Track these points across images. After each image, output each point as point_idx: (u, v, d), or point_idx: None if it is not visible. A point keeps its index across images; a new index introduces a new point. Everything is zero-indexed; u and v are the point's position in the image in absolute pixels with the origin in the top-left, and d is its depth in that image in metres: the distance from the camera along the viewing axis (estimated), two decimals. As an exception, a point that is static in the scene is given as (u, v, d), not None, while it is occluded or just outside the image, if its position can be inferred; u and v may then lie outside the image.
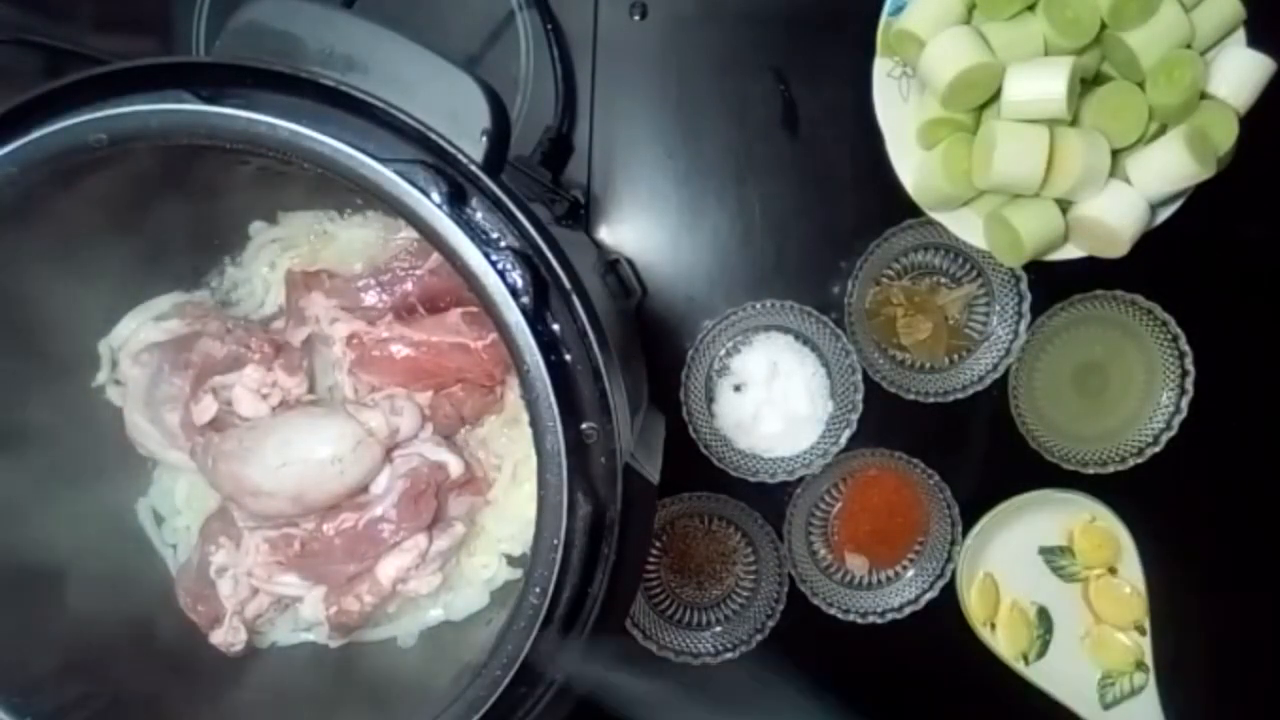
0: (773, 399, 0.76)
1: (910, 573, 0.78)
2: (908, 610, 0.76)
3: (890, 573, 0.78)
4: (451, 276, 0.57)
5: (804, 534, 0.78)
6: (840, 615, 0.76)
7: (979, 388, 0.75)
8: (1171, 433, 0.73)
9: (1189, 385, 0.73)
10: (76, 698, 0.52)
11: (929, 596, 0.76)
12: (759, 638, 0.77)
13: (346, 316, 0.59)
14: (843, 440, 0.75)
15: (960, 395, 0.75)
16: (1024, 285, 0.73)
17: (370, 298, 0.60)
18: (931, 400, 0.75)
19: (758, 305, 0.75)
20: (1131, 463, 0.74)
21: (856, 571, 0.78)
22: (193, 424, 0.58)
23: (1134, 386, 0.75)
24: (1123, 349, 0.75)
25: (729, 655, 0.77)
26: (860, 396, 0.75)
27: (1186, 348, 0.73)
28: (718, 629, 0.79)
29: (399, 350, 0.58)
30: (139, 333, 0.60)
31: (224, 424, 0.59)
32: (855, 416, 0.75)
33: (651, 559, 0.80)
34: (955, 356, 0.76)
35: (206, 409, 0.58)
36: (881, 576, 0.78)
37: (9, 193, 0.46)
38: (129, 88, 0.44)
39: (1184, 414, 0.73)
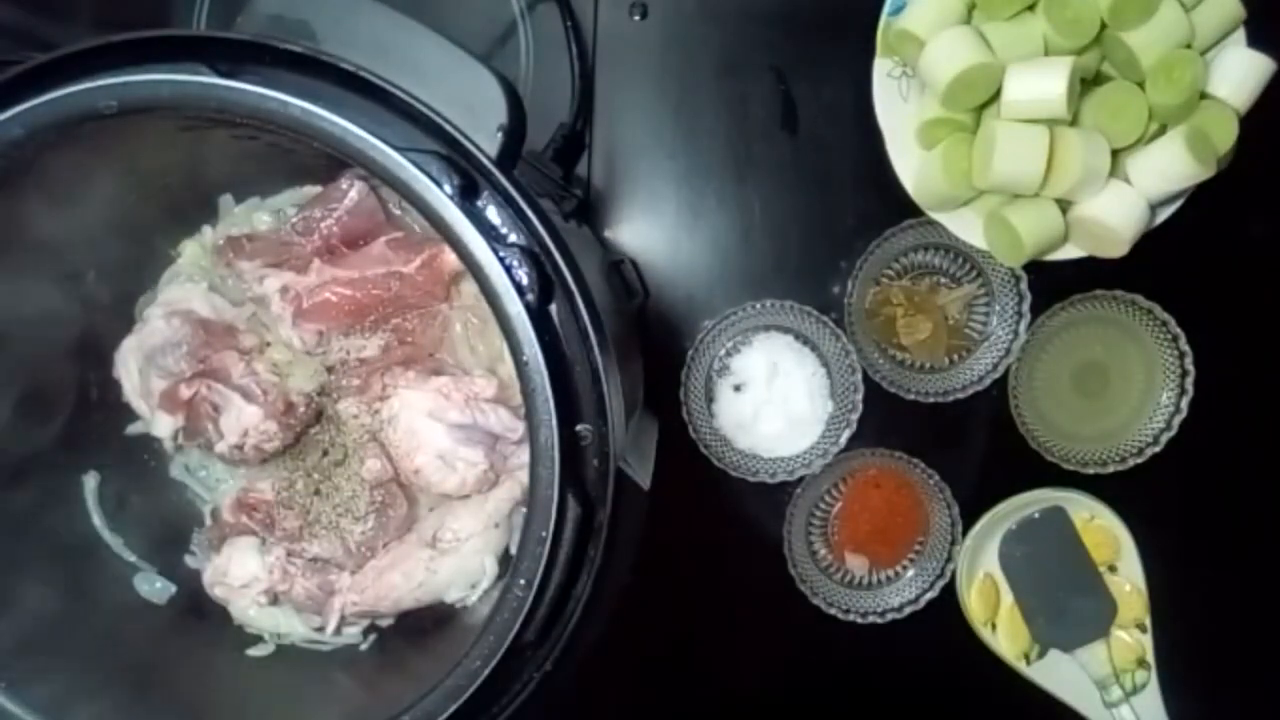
0: (773, 399, 0.76)
1: (910, 573, 0.77)
2: (908, 610, 0.76)
3: (890, 573, 0.78)
4: (371, 214, 0.58)
5: (804, 534, 0.78)
6: (840, 615, 0.76)
7: (979, 388, 0.75)
8: (1171, 433, 0.73)
9: (1189, 385, 0.73)
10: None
11: (929, 596, 0.76)
12: (759, 637, 0.77)
13: (274, 271, 0.59)
14: (843, 440, 0.75)
15: (960, 395, 0.75)
16: (1024, 285, 0.73)
17: (292, 247, 0.60)
18: (931, 400, 0.75)
19: (758, 305, 0.75)
20: (1131, 463, 0.74)
21: (856, 571, 0.78)
22: (173, 398, 0.59)
23: (1134, 386, 0.75)
24: (1123, 349, 0.75)
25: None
26: (860, 396, 0.74)
27: (1186, 348, 0.72)
28: (718, 628, 0.79)
29: (335, 293, 0.58)
30: (183, 292, 0.61)
31: (198, 416, 0.59)
32: (855, 416, 0.75)
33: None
34: (955, 356, 0.76)
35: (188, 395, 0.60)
36: (881, 576, 0.78)
37: (16, 153, 0.46)
38: (145, 57, 0.44)
39: (1184, 414, 0.73)
